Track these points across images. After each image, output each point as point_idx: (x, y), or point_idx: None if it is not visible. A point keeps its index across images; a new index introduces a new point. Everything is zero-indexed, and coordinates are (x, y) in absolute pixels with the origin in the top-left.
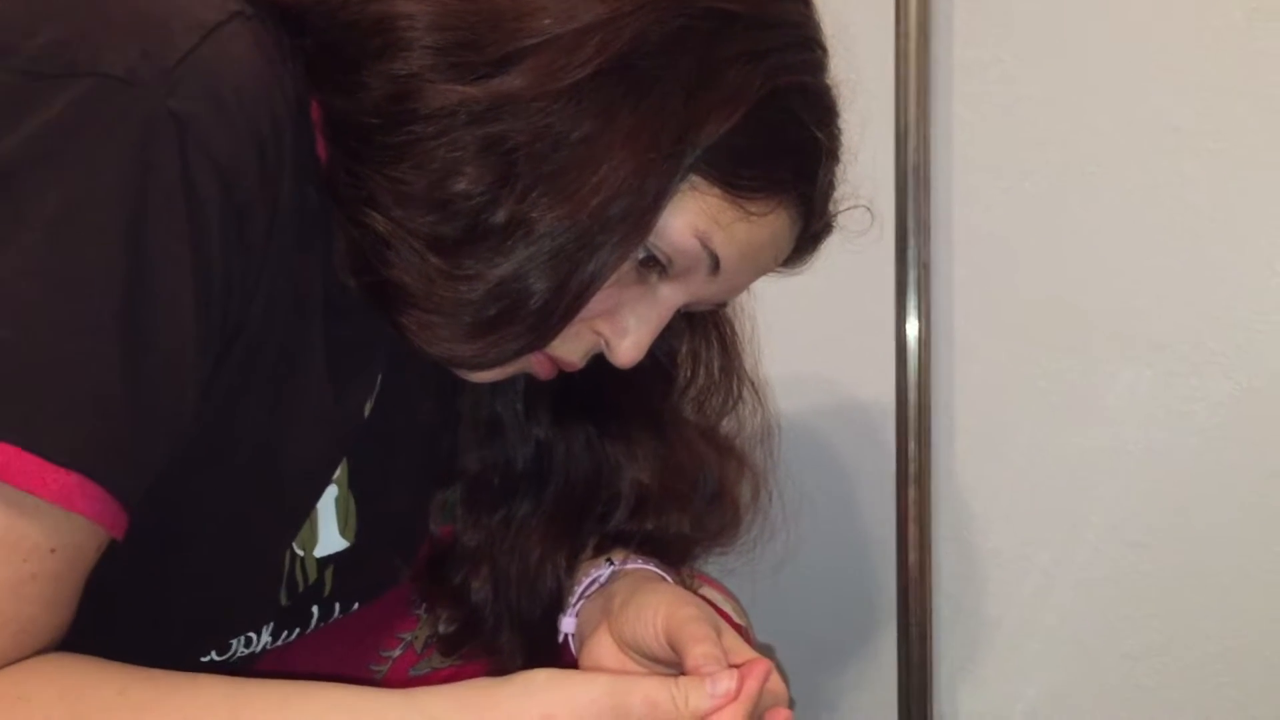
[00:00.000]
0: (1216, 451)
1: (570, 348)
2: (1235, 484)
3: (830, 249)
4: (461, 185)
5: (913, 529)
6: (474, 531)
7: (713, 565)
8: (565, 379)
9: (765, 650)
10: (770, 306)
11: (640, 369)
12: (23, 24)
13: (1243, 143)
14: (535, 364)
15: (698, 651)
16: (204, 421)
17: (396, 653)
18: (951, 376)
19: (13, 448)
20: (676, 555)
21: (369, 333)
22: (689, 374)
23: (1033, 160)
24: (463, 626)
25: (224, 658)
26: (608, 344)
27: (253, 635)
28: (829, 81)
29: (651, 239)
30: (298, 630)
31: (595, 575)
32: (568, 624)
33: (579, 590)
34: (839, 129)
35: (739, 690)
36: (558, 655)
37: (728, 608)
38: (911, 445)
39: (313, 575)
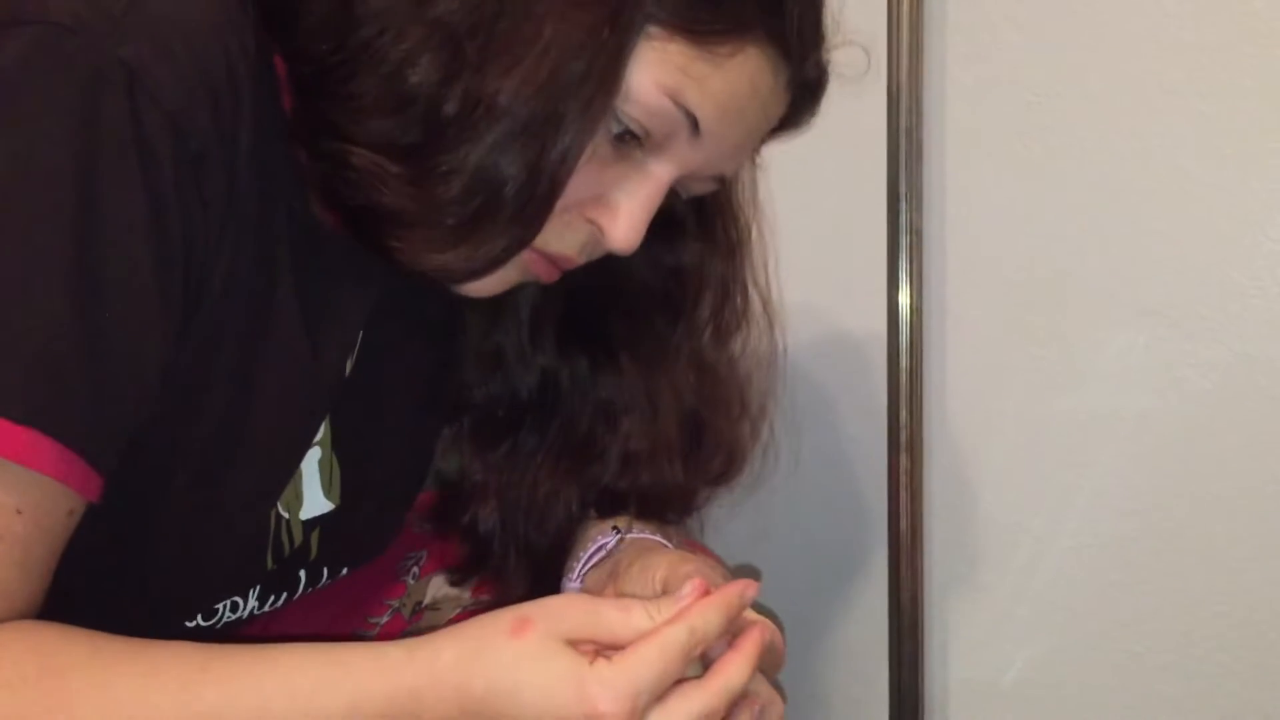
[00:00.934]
0: (1208, 418)
1: (564, 240)
2: (1227, 451)
3: (821, 214)
4: (416, 78)
5: (904, 496)
6: (480, 466)
7: (708, 539)
8: (570, 304)
9: (768, 613)
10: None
11: (645, 290)
12: None
13: (1237, 106)
14: (533, 266)
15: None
16: (177, 380)
17: (385, 619)
18: (944, 343)
19: None
20: (678, 505)
21: (346, 290)
22: (696, 290)
23: (1026, 125)
24: (471, 556)
25: (210, 623)
26: (603, 231)
27: (238, 600)
28: None
29: (620, 106)
30: (285, 595)
31: (602, 542)
32: (573, 589)
33: (585, 556)
34: None
35: (704, 590)
36: (561, 585)
37: (717, 575)
38: (903, 413)
39: (298, 538)
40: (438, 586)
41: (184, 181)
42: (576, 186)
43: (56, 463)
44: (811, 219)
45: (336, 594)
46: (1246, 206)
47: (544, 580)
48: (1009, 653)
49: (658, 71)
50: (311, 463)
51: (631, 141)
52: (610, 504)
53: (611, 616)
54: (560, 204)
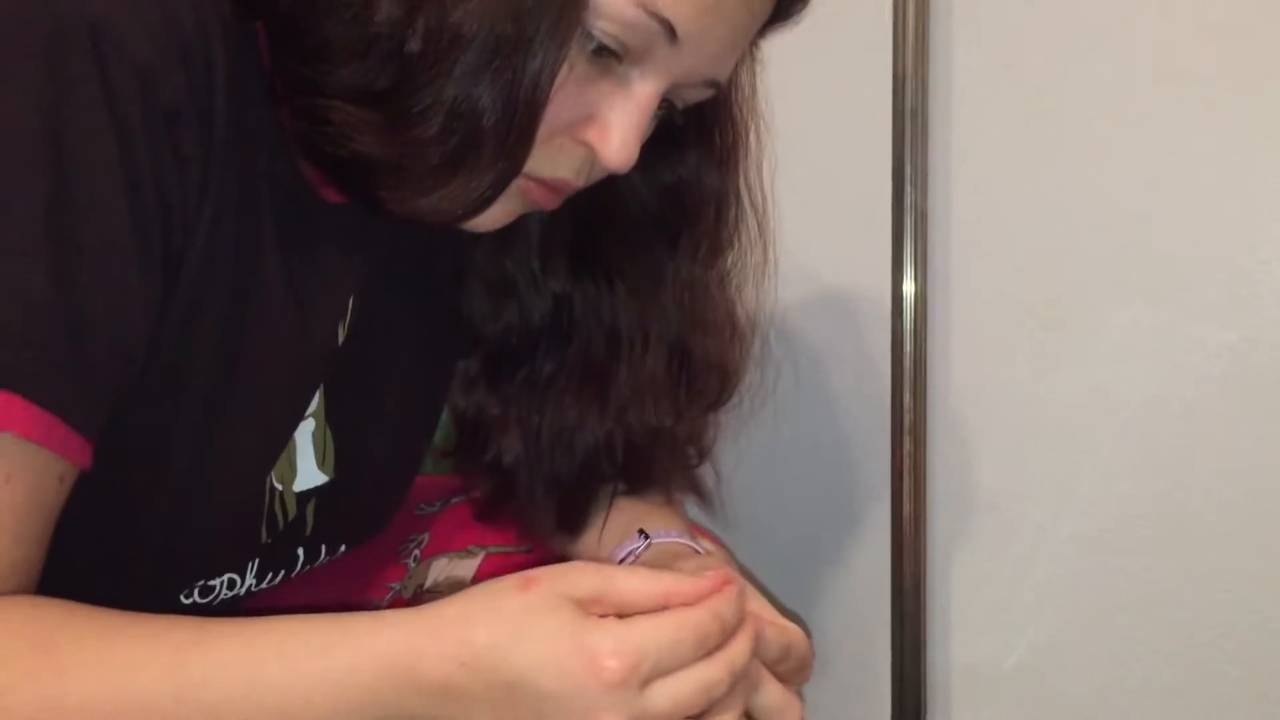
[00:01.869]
0: (1213, 403)
1: (558, 164)
2: (1232, 436)
3: (826, 195)
4: (380, 16)
5: (907, 481)
6: (498, 399)
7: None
8: (578, 230)
9: (793, 617)
10: None
11: (643, 214)
12: None
13: (1245, 90)
14: (532, 194)
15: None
16: (162, 348)
17: (384, 602)
18: (948, 326)
19: None
20: (687, 442)
21: (336, 256)
22: (693, 208)
23: (1031, 107)
24: (498, 490)
25: (207, 600)
26: (596, 150)
27: (235, 577)
28: None
29: (591, 21)
30: (283, 573)
31: (631, 548)
32: None
33: (614, 561)
34: None
35: (725, 581)
36: (587, 518)
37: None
38: (906, 397)
39: (292, 510)
40: (439, 569)
41: (157, 137)
42: (560, 109)
43: (35, 425)
44: (816, 201)
45: (336, 575)
46: (1253, 189)
47: (571, 512)
48: (1011, 637)
49: None
50: (305, 434)
51: (610, 57)
52: (630, 454)
53: (621, 577)
54: (547, 128)
